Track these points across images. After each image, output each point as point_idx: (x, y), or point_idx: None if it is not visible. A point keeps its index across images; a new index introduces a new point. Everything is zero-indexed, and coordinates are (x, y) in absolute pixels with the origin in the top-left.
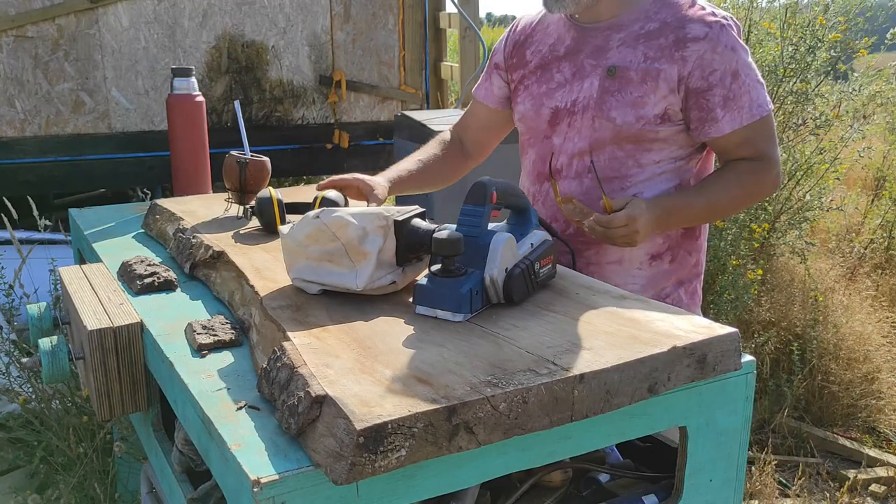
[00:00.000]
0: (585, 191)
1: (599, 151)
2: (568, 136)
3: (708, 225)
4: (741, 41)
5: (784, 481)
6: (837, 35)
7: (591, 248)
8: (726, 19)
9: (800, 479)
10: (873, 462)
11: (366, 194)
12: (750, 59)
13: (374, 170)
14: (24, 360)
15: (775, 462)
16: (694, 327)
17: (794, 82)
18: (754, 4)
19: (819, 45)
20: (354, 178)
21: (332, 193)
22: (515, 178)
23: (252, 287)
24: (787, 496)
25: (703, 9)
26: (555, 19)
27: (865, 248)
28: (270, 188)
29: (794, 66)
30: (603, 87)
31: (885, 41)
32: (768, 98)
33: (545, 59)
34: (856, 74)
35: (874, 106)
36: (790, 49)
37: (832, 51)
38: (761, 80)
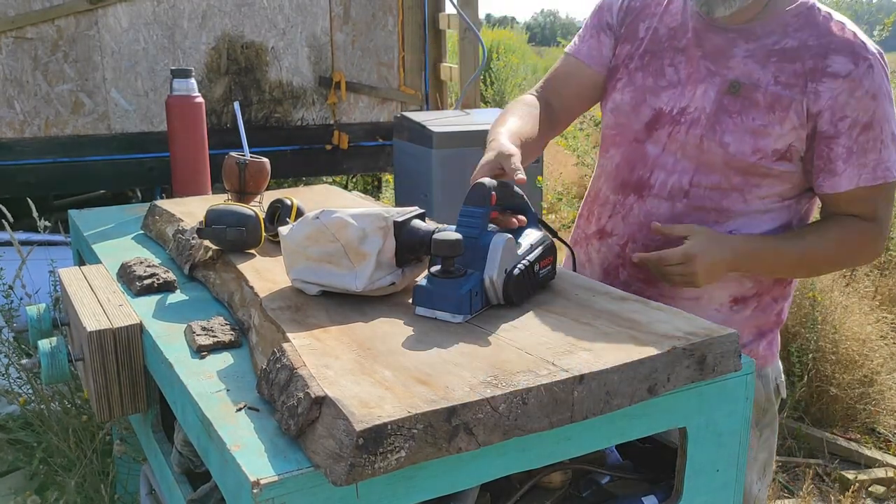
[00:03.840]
0: (675, 216)
1: (704, 177)
2: (668, 149)
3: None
4: (887, 83)
5: (784, 482)
6: None
7: None
8: (877, 56)
9: (801, 480)
10: (873, 463)
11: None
12: (891, 108)
13: (373, 171)
14: (24, 361)
15: (777, 463)
16: (693, 328)
17: None
18: None
19: None
20: (499, 155)
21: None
22: (523, 187)
23: (251, 288)
24: (787, 497)
25: (855, 36)
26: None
27: None
28: (293, 198)
29: None
30: (720, 104)
31: (873, 37)
32: None
33: (660, 43)
34: None
35: None
36: None
37: None
38: None
